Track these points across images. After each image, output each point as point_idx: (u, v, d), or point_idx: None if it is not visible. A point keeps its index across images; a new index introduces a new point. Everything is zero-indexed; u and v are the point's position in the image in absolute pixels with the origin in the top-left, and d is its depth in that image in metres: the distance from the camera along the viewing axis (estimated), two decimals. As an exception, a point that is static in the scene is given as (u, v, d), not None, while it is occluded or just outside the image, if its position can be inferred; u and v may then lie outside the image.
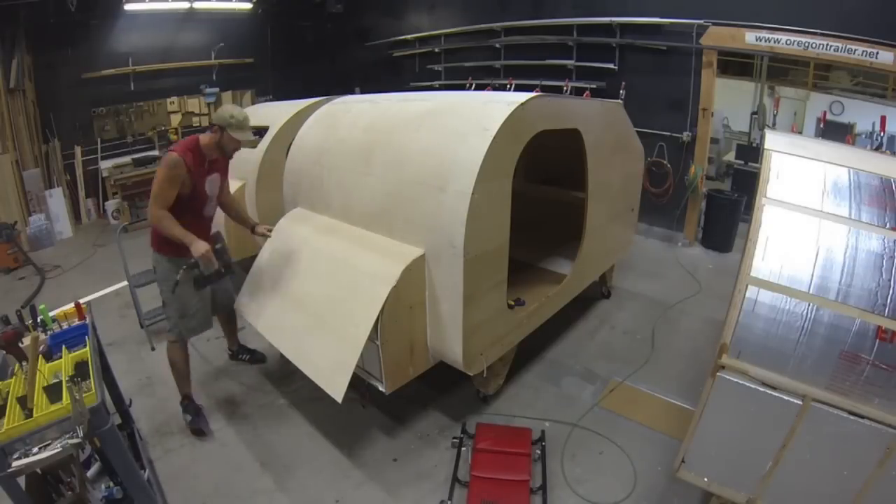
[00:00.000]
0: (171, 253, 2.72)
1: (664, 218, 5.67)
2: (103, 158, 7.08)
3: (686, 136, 5.25)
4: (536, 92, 2.89)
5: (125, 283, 3.95)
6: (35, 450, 1.61)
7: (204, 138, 2.72)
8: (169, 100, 7.56)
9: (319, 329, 2.65)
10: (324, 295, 2.73)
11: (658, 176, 5.53)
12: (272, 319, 2.98)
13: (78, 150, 6.88)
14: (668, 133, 5.37)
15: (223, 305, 3.22)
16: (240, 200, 4.28)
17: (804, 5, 4.30)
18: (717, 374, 1.86)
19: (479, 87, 6.57)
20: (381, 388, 2.58)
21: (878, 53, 3.96)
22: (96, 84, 6.85)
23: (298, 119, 3.99)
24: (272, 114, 4.64)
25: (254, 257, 3.71)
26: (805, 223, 2.01)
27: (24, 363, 1.91)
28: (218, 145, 2.72)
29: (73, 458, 1.84)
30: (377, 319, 2.35)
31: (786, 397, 1.76)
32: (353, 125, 3.20)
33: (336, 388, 2.36)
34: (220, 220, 4.43)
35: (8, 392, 1.78)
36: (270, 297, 3.03)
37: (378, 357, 2.49)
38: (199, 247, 2.57)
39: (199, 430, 2.90)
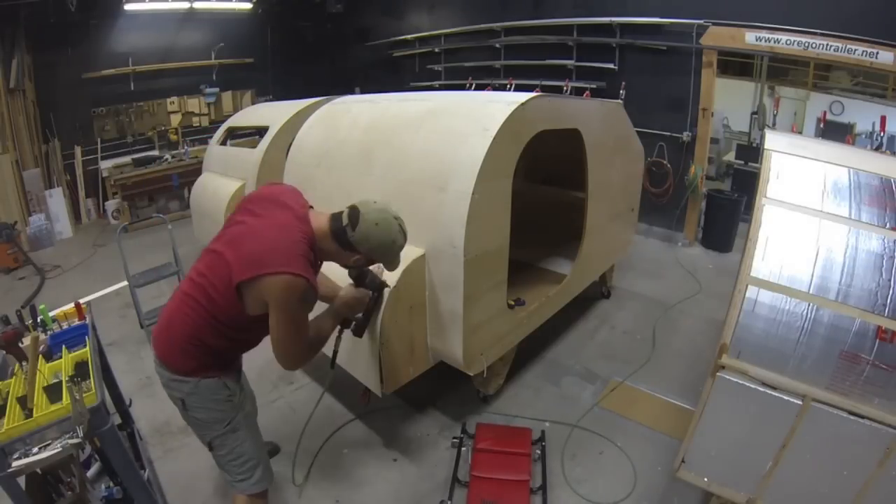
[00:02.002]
0: (218, 372, 1.82)
1: (664, 218, 5.67)
2: (103, 158, 7.08)
3: (686, 136, 5.24)
4: (536, 92, 2.89)
5: (125, 283, 3.96)
6: (35, 450, 1.61)
7: (324, 241, 1.79)
8: (169, 100, 7.56)
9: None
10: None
11: (658, 176, 5.53)
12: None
13: (78, 150, 6.88)
14: (668, 133, 5.37)
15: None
16: (239, 200, 4.29)
17: (804, 5, 4.30)
18: (717, 374, 1.86)
19: (479, 87, 6.57)
20: (373, 390, 2.58)
21: (878, 53, 3.96)
22: (96, 84, 6.85)
23: (298, 119, 4.00)
24: (272, 114, 4.65)
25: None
26: (805, 223, 2.01)
27: (24, 363, 1.91)
28: (346, 261, 1.88)
29: (73, 458, 1.84)
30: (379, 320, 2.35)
31: (786, 397, 1.76)
32: (353, 125, 3.20)
33: (374, 385, 2.47)
34: (220, 207, 4.36)
35: (8, 392, 1.78)
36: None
37: (378, 358, 2.48)
38: (353, 300, 2.03)
39: None
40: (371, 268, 2.05)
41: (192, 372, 1.76)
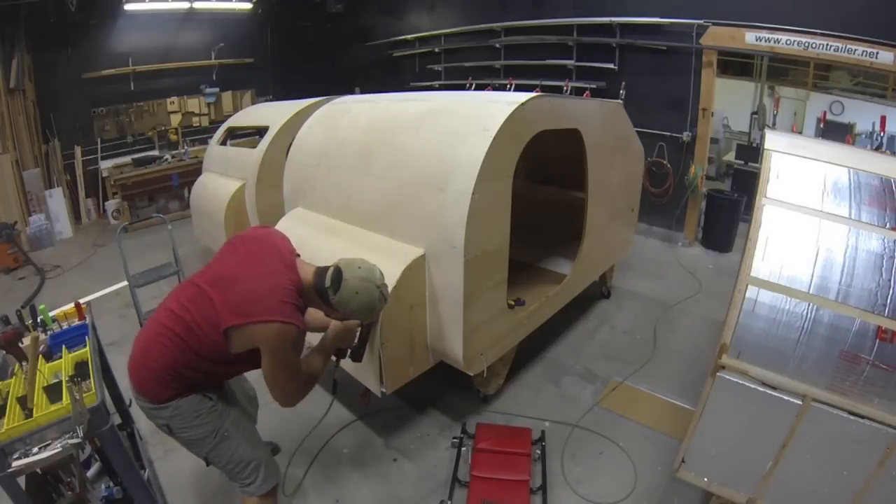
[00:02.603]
0: (193, 390, 1.81)
1: (664, 218, 5.67)
2: (103, 158, 7.08)
3: (686, 136, 5.24)
4: (536, 92, 2.89)
5: (125, 283, 3.96)
6: (35, 450, 1.61)
7: (310, 294, 1.83)
8: (169, 100, 7.56)
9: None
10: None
11: (658, 176, 5.53)
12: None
13: (78, 150, 6.88)
14: (668, 133, 5.36)
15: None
16: (240, 200, 4.30)
17: (804, 5, 4.30)
18: (717, 374, 1.86)
19: (479, 87, 6.57)
20: (373, 390, 2.58)
21: (878, 53, 3.96)
22: (96, 84, 6.85)
23: (298, 119, 3.99)
24: (272, 114, 4.65)
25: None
26: (805, 223, 2.01)
27: (24, 363, 1.91)
28: (327, 314, 1.94)
29: (73, 458, 1.84)
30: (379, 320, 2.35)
31: (786, 397, 1.76)
32: (353, 125, 3.20)
33: (374, 385, 2.50)
34: (220, 207, 4.37)
35: (8, 392, 1.78)
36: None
37: (378, 358, 2.49)
38: (343, 333, 2.03)
39: None
40: None
41: (169, 399, 1.75)
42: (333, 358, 2.09)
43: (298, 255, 1.94)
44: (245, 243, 1.92)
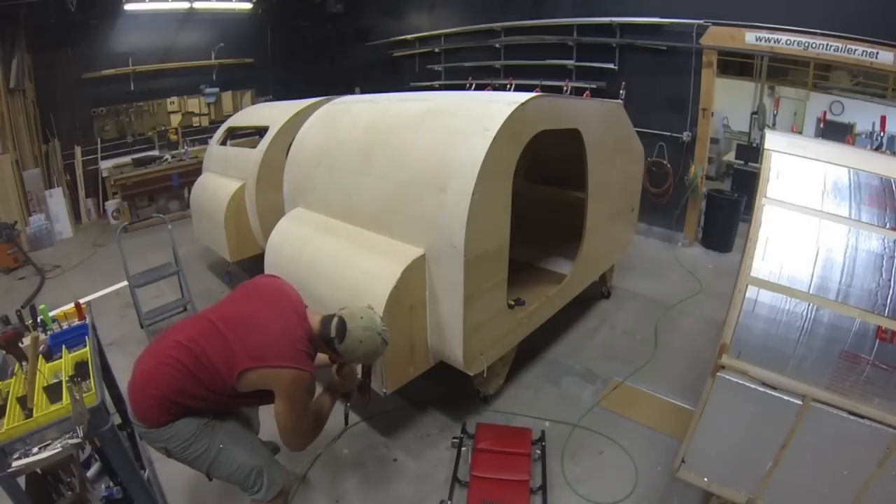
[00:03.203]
0: (189, 415, 1.85)
1: (664, 218, 5.67)
2: (103, 158, 7.09)
3: (686, 136, 5.24)
4: (536, 92, 2.89)
5: (125, 283, 3.96)
6: (35, 450, 1.61)
7: (317, 342, 1.94)
8: (169, 100, 7.57)
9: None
10: (327, 297, 2.73)
11: (658, 176, 5.53)
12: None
13: (78, 150, 6.88)
14: (668, 133, 5.36)
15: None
16: (240, 200, 4.30)
17: (804, 5, 4.30)
18: (717, 374, 1.86)
19: (479, 87, 6.56)
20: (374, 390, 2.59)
21: (878, 53, 3.96)
22: (96, 84, 6.86)
23: (298, 119, 3.99)
24: (272, 114, 4.64)
25: (252, 258, 3.70)
26: (805, 223, 2.01)
27: (24, 363, 1.91)
28: (334, 360, 2.12)
29: (73, 458, 1.84)
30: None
31: (786, 397, 1.76)
32: (353, 125, 3.20)
33: (375, 384, 2.48)
34: (220, 207, 4.38)
35: (8, 392, 1.78)
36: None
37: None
38: (350, 379, 2.14)
39: None
40: None
41: (167, 422, 1.80)
42: (343, 401, 2.21)
43: (307, 306, 2.03)
44: (258, 290, 2.04)
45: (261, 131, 4.68)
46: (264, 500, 1.96)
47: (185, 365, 1.74)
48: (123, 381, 2.88)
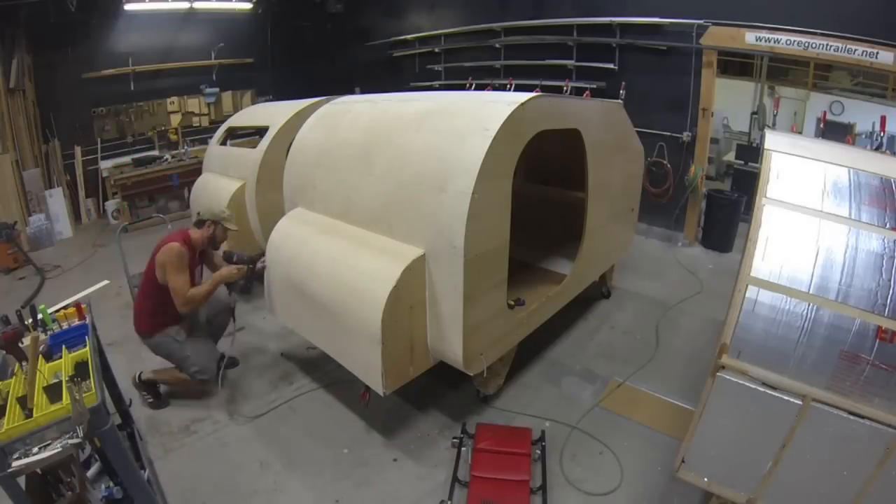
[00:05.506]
0: (166, 327, 2.97)
1: (664, 218, 5.67)
2: (103, 158, 7.08)
3: (686, 136, 5.25)
4: (536, 92, 2.89)
5: (106, 282, 3.94)
6: (35, 450, 1.61)
7: (194, 234, 2.98)
8: (169, 100, 7.56)
9: (339, 330, 2.70)
10: (329, 297, 2.74)
11: (658, 176, 5.53)
12: (299, 321, 3.13)
13: (78, 150, 6.88)
14: (668, 133, 5.37)
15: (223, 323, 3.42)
16: (240, 200, 4.30)
17: (804, 5, 4.30)
18: (718, 374, 1.86)
19: (479, 87, 6.57)
20: (374, 390, 2.59)
21: (878, 53, 3.96)
22: (96, 84, 6.85)
23: (298, 119, 3.99)
24: (272, 114, 4.65)
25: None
26: (805, 223, 2.01)
27: (24, 363, 1.91)
28: (210, 239, 3.03)
29: (73, 458, 1.84)
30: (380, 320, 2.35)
31: (786, 397, 1.76)
32: (353, 125, 3.20)
33: (375, 384, 2.54)
34: (220, 207, 4.50)
35: (8, 392, 1.78)
36: (290, 300, 3.09)
37: (378, 357, 2.49)
38: (226, 273, 2.96)
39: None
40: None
41: (151, 331, 2.96)
42: (239, 284, 3.08)
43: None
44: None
45: (261, 131, 4.68)
46: (194, 378, 3.01)
47: (145, 283, 2.94)
48: (123, 381, 2.89)
